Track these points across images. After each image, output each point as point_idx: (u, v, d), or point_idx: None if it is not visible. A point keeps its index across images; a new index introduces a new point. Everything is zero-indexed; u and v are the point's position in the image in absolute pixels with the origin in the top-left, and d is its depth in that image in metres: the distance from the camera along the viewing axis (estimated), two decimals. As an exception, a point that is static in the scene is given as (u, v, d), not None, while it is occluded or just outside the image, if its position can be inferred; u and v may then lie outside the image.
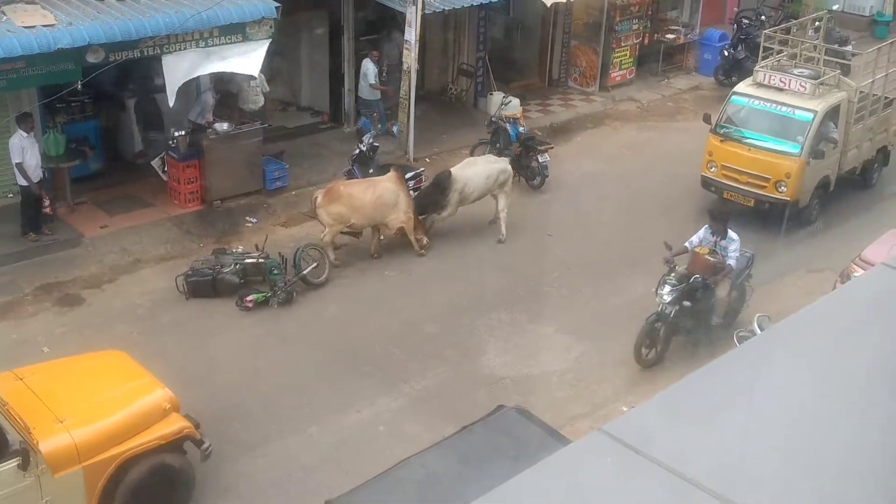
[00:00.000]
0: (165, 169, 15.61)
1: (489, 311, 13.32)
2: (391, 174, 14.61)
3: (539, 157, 16.80)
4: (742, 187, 15.72)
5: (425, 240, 14.73)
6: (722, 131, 15.98)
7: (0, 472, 8.34)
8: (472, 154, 17.04)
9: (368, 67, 17.90)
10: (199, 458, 9.63)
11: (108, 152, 16.24)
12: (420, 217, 14.68)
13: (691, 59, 23.49)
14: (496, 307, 13.39)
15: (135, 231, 14.80)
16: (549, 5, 19.33)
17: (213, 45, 14.24)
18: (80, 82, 13.28)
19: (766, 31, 17.88)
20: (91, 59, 13.15)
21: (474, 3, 18.03)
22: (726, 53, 22.34)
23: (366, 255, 14.59)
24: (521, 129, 17.74)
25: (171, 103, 14.31)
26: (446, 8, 17.67)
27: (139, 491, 9.13)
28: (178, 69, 14.06)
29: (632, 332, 12.05)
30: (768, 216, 15.53)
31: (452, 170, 15.03)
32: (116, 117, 16.49)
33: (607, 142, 19.64)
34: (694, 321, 12.16)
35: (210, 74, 14.91)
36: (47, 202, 14.13)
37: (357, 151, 16.02)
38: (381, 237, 14.68)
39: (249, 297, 13.09)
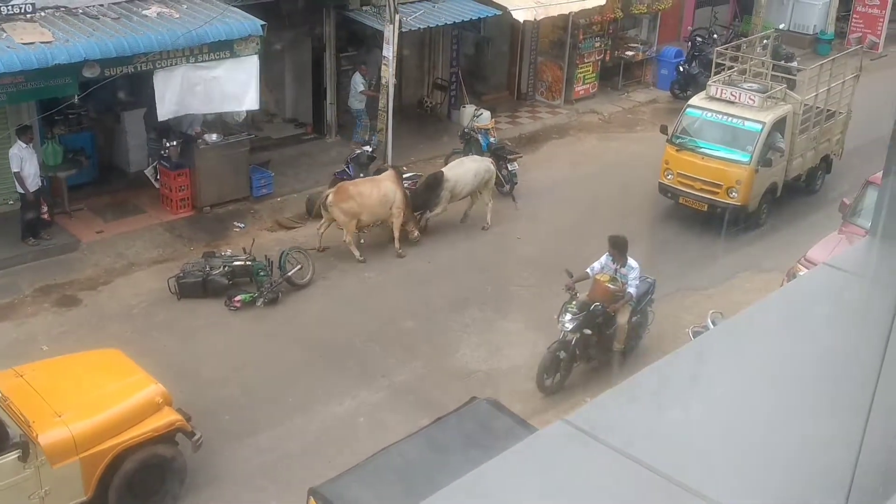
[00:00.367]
0: (158, 177, 15.52)
1: (463, 309, 13.33)
2: (390, 173, 14.92)
3: (509, 165, 16.86)
4: (696, 193, 15.83)
5: (416, 233, 15.02)
6: (678, 141, 16.07)
7: (1, 463, 8.27)
8: (446, 163, 17.06)
9: (357, 80, 18.07)
10: (191, 448, 9.60)
11: (104, 162, 16.12)
12: (415, 213, 15.07)
13: (649, 75, 23.61)
14: (469, 306, 13.40)
15: (129, 236, 14.70)
16: (521, 21, 19.38)
17: (202, 62, 14.18)
18: (76, 96, 13.17)
19: (718, 49, 18.02)
20: (87, 73, 13.04)
21: (448, 22, 18.06)
22: (681, 69, 22.47)
23: (347, 257, 14.56)
24: (492, 139, 17.79)
25: (160, 117, 14.26)
26: (422, 26, 17.68)
27: (133, 480, 9.09)
28: (170, 84, 13.98)
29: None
30: (721, 220, 15.64)
31: (443, 170, 15.44)
32: (111, 129, 16.36)
33: (572, 151, 19.71)
34: (595, 348, 11.68)
35: (200, 90, 14.77)
36: (45, 209, 14.00)
37: (357, 153, 16.26)
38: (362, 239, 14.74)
39: (237, 298, 13.04)
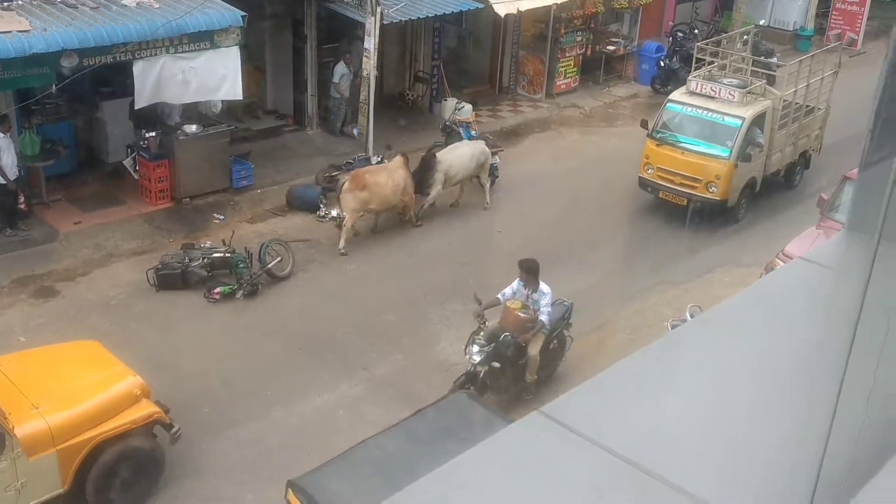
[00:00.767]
0: (137, 168, 15.41)
1: (443, 302, 13.33)
2: (399, 160, 15.12)
3: (490, 160, 16.86)
4: (676, 188, 15.89)
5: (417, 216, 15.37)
6: (658, 136, 16.13)
7: (-24, 455, 8.19)
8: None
9: (339, 69, 18.17)
10: (169, 441, 9.56)
11: (82, 152, 15.99)
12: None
13: (630, 69, 23.67)
14: (450, 299, 13.40)
15: (107, 227, 14.60)
16: (502, 16, 19.37)
17: (182, 52, 14.08)
18: (55, 86, 13.06)
19: (698, 44, 18.09)
20: (65, 63, 12.90)
21: (429, 15, 18.02)
22: (662, 64, 22.54)
23: (327, 250, 14.54)
24: (473, 132, 17.79)
25: (137, 106, 14.18)
26: (403, 19, 17.64)
27: (111, 473, 9.03)
28: (150, 75, 13.89)
29: (574, 322, 12.01)
30: (700, 214, 15.71)
31: (437, 153, 15.55)
32: (90, 119, 16.22)
33: (553, 145, 19.74)
34: (506, 380, 10.87)
35: (179, 80, 14.67)
36: (23, 199, 13.87)
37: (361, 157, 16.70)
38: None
39: (216, 290, 12.99)
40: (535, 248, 14.92)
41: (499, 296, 10.95)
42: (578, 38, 22.25)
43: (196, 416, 10.52)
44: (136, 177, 15.44)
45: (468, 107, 18.84)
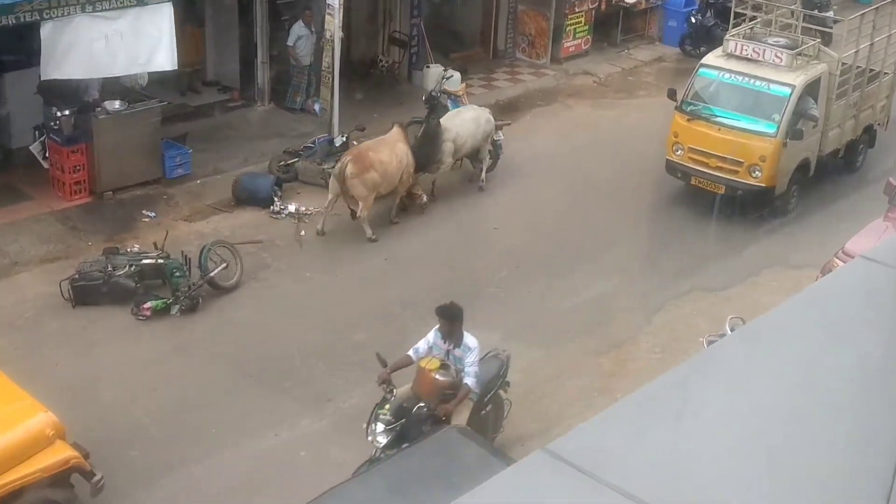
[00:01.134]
0: (47, 155, 15.35)
1: (424, 316, 13.24)
2: (396, 131, 15.40)
3: (493, 133, 16.84)
4: (712, 172, 15.94)
5: (425, 197, 15.62)
6: (689, 109, 16.18)
7: None
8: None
9: (296, 29, 18.30)
10: (90, 492, 9.54)
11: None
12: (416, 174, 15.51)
13: (654, 27, 23.76)
14: (432, 312, 13.37)
15: (11, 228, 14.56)
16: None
17: (102, 10, 14.04)
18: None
19: (737, -5, 18.17)
20: (-44, 26, 12.88)
21: (407, -38, 18.06)
22: (693, 20, 22.64)
23: (283, 253, 14.53)
24: (463, 107, 17.80)
25: (43, 76, 14.20)
26: (374, -33, 17.68)
27: (18, 532, 9.00)
28: (61, 39, 13.85)
29: (588, 338, 12.07)
30: (741, 205, 15.76)
31: (441, 119, 15.83)
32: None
33: (560, 121, 19.79)
34: None
35: (102, 48, 14.62)
36: None
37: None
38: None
39: (147, 305, 12.96)
40: (539, 248, 15.01)
41: (410, 352, 10.24)
42: (590, -10, 22.34)
43: (122, 459, 10.50)
44: (45, 165, 15.39)
45: (457, 76, 18.90)
